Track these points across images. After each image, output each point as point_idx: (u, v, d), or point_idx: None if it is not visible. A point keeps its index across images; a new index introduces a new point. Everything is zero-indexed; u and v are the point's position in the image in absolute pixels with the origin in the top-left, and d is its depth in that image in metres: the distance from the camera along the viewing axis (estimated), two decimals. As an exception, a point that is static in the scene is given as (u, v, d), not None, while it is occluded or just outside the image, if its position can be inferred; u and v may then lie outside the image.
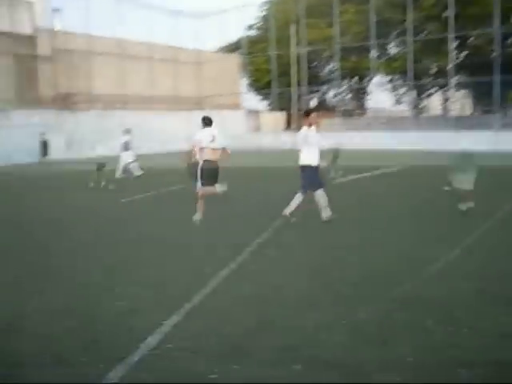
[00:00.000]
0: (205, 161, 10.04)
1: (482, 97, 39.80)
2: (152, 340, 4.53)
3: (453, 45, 38.94)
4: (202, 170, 10.07)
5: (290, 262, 7.21)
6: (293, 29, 43.07)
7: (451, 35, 37.06)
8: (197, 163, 10.16)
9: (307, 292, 5.86)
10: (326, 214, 9.86)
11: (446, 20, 36.75)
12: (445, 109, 44.75)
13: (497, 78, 34.10)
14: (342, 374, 3.86)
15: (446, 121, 37.66)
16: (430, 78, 44.35)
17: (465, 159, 10.57)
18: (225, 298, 5.69)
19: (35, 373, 4.05)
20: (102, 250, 8.33)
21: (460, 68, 41.39)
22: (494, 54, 35.44)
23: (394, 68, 44.55)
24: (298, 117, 40.85)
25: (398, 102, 50.10)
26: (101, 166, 17.46)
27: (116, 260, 7.60)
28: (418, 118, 45.58)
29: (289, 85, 43.65)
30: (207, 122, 10.29)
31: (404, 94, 48.73)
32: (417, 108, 48.60)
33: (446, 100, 45.52)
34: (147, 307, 5.44)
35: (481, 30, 38.39)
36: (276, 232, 9.15)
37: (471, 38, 41.56)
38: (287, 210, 9.94)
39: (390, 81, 49.36)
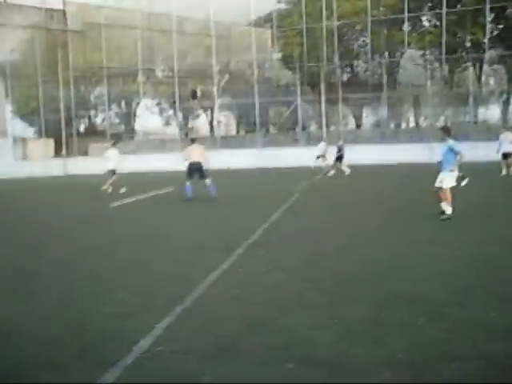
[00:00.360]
0: None
1: (245, 117, 42.55)
2: (144, 343, 4.51)
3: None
4: None
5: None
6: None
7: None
8: None
9: (298, 292, 5.92)
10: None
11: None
12: (212, 129, 46.86)
13: (256, 99, 36.92)
14: (334, 372, 3.90)
15: (213, 141, 39.48)
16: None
17: None
18: (216, 300, 5.73)
19: (28, 378, 4.01)
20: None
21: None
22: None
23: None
24: (67, 142, 39.51)
25: (167, 123, 51.07)
26: None
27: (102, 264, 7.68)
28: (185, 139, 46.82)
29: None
30: None
31: (171, 116, 49.77)
32: (185, 129, 50.01)
33: (211, 121, 47.61)
34: (138, 311, 5.44)
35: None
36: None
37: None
38: None
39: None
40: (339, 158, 24.36)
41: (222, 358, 4.21)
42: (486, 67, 41.14)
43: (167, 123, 50.98)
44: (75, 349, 4.49)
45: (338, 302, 5.53)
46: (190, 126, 48.02)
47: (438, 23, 40.01)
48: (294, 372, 3.91)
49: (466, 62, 42.25)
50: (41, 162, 40.94)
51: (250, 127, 40.34)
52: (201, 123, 49.39)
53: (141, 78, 43.12)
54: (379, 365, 3.96)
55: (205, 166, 15.55)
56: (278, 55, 43.84)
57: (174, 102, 42.30)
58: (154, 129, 49.81)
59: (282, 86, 39.94)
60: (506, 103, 40.86)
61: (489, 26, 37.38)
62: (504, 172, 20.37)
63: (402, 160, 29.75)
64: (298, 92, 37.21)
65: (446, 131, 11.59)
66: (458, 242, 8.62)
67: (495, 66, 43.31)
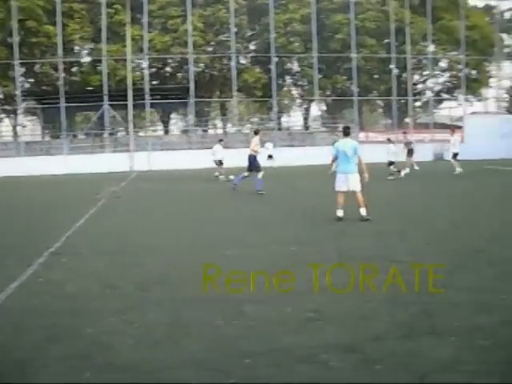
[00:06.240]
0: None
1: (52, 122, 41.01)
2: None
3: (20, 71, 39.03)
4: None
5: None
6: None
7: (17, 61, 37.31)
8: None
9: (99, 298, 5.86)
10: None
11: (12, 46, 36.67)
12: (15, 134, 44.53)
13: (63, 104, 35.92)
14: (135, 376, 3.92)
15: (17, 146, 37.71)
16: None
17: None
18: (13, 312, 5.48)
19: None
20: None
21: (28, 94, 41.65)
22: (60, 81, 37.20)
23: None
24: None
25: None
26: None
27: None
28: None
29: None
30: None
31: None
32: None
33: (15, 126, 45.20)
34: None
35: (46, 59, 39.74)
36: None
37: (37, 66, 42.26)
38: None
39: None
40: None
41: (18, 372, 4.06)
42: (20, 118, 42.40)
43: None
44: None
45: (138, 306, 5.58)
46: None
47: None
48: (92, 380, 3.88)
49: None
50: None
51: (57, 132, 39.07)
52: (2, 128, 46.65)
53: None
54: (179, 366, 4.07)
55: None
56: (86, 58, 43.06)
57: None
58: None
59: (90, 90, 39.27)
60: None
61: (19, 80, 39.14)
62: None
63: (208, 165, 30.96)
64: (106, 97, 36.88)
65: (349, 131, 11.79)
66: (259, 242, 9.08)
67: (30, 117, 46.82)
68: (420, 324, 4.85)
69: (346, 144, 11.32)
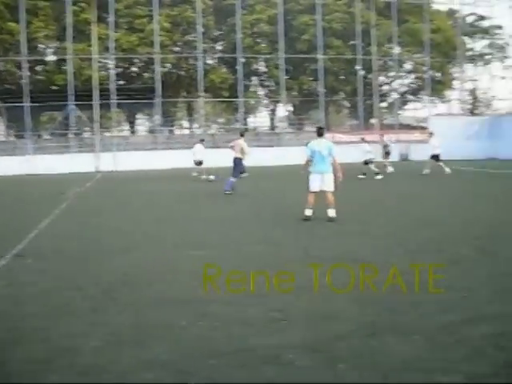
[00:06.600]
0: None
1: (16, 122, 40.31)
2: None
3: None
4: None
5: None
6: None
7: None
8: None
9: (64, 300, 5.79)
10: None
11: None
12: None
13: (27, 103, 35.34)
14: (100, 378, 3.91)
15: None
16: None
17: None
18: None
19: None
20: None
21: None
22: (24, 80, 36.58)
23: None
24: None
25: None
26: None
27: None
28: None
29: None
30: None
31: None
32: None
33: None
34: None
35: (9, 57, 39.05)
36: None
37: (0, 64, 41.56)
38: None
39: None
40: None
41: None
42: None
43: None
44: None
45: (104, 308, 5.54)
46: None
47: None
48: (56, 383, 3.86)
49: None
50: None
51: (21, 132, 38.41)
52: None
53: None
54: (143, 367, 4.06)
55: None
56: (51, 57, 42.45)
57: None
58: None
59: (55, 90, 38.70)
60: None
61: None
62: None
63: (175, 166, 30.92)
64: (71, 96, 36.41)
65: (323, 132, 11.76)
66: (220, 242, 9.09)
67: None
68: (384, 323, 4.92)
69: (320, 144, 11.38)
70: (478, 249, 8.21)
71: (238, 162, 17.43)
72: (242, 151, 17.52)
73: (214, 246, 8.84)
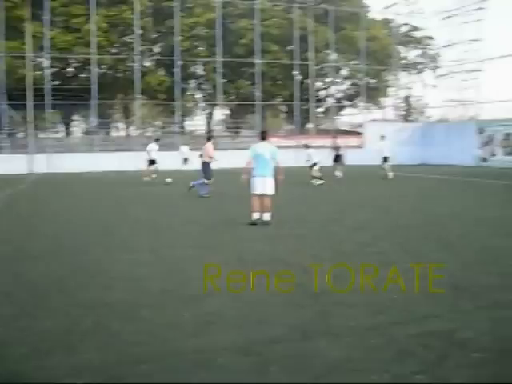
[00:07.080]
0: None
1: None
2: None
3: None
4: None
5: None
6: None
7: None
8: None
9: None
10: None
11: None
12: None
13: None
14: None
15: None
16: None
17: None
18: None
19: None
20: None
21: None
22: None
23: None
24: None
25: None
26: None
27: None
28: None
29: None
30: None
31: None
32: None
33: None
34: None
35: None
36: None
37: None
38: None
39: None
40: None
41: None
42: None
43: None
44: None
45: (33, 313, 5.42)
46: None
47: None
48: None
49: None
50: None
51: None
52: None
53: None
54: (72, 374, 3.99)
55: None
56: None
57: None
58: None
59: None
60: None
61: None
62: None
63: (111, 168, 30.45)
64: (4, 96, 35.34)
65: (266, 136, 11.77)
66: (150, 246, 9.11)
67: None
68: (316, 326, 5.00)
69: (264, 148, 11.44)
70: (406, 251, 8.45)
71: (206, 165, 17.45)
72: (211, 154, 17.57)
73: (146, 250, 8.76)
